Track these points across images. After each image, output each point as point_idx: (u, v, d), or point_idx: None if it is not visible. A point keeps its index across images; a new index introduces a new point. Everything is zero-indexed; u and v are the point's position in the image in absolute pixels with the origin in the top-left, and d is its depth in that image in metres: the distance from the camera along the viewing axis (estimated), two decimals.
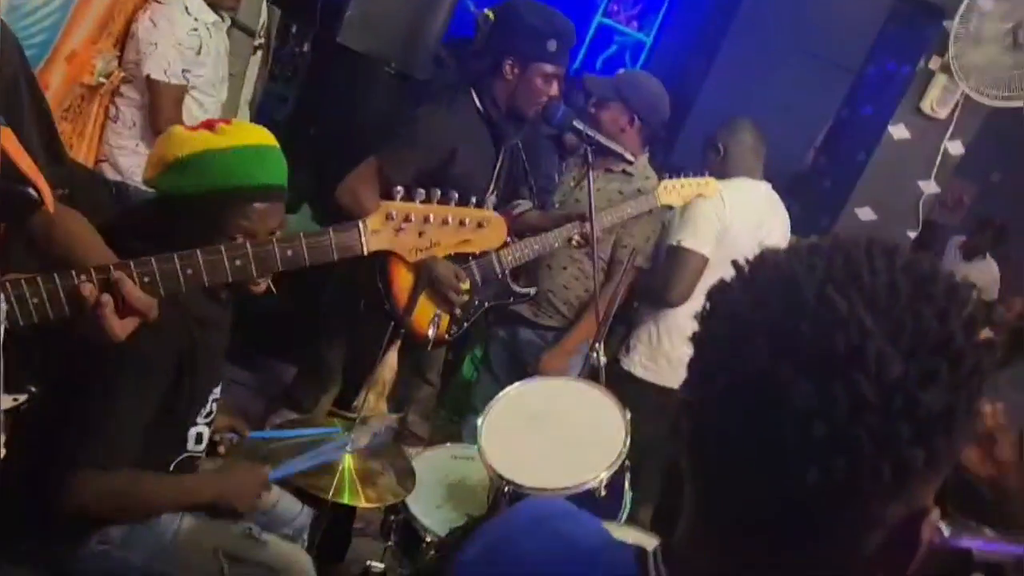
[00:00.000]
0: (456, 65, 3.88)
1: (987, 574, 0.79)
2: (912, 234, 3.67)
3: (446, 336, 2.57)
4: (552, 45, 2.41)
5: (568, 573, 0.71)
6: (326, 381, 2.99)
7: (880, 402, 0.51)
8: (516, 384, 2.03)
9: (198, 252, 1.23)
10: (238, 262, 1.26)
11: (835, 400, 0.51)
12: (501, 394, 1.99)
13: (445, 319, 2.50)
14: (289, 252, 1.29)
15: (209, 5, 2.79)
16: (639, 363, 2.86)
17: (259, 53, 3.31)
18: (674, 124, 4.09)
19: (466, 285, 2.46)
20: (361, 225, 1.28)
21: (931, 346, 0.53)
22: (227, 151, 1.49)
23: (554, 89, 2.45)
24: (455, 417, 3.46)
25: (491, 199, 1.38)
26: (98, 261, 1.21)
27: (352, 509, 2.46)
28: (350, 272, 2.69)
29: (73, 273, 1.17)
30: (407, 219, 1.31)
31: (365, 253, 1.29)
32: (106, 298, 1.13)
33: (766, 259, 0.61)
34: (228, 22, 2.95)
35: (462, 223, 1.34)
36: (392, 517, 1.97)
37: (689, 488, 0.64)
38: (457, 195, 1.30)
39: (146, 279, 1.19)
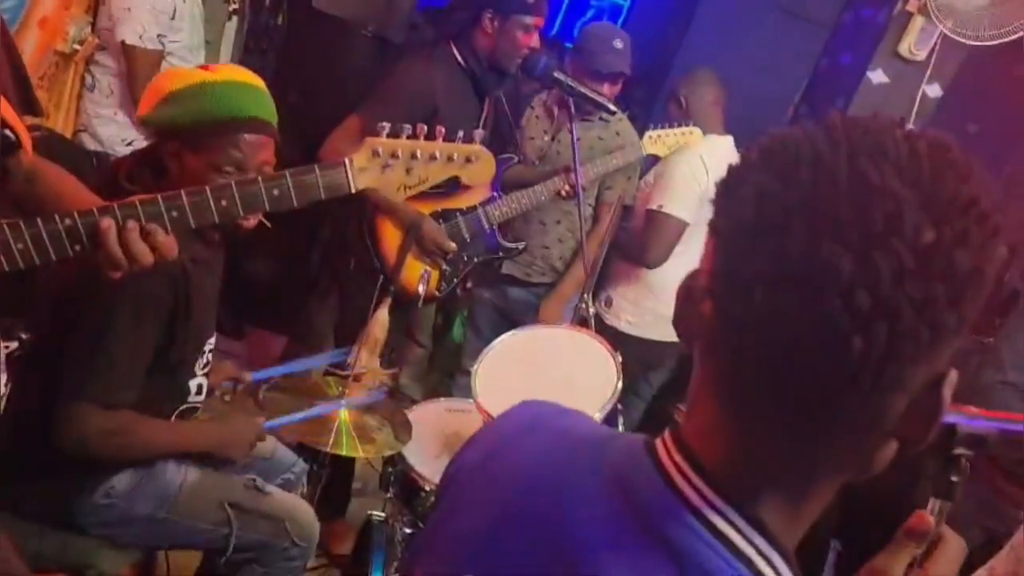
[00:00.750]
0: (433, 31, 3.84)
1: (970, 446, 0.81)
2: None
3: (436, 292, 2.57)
4: None
5: (579, 462, 0.71)
6: (316, 347, 2.97)
7: (919, 267, 0.52)
8: (508, 333, 2.05)
9: (183, 193, 1.22)
10: (224, 202, 1.24)
11: (877, 269, 0.52)
12: (494, 343, 2.00)
13: (435, 275, 2.50)
14: (275, 191, 1.27)
15: None
16: (624, 319, 2.87)
17: (234, 19, 3.26)
18: (652, 87, 4.07)
19: (452, 244, 2.46)
20: (347, 162, 1.27)
21: (959, 209, 0.54)
22: (219, 84, 1.53)
23: (534, 40, 2.44)
24: (447, 379, 3.47)
25: (481, 133, 1.37)
26: (85, 206, 1.19)
27: (351, 466, 2.48)
28: (338, 235, 2.68)
29: (56, 217, 1.15)
30: (394, 155, 1.30)
31: (352, 191, 1.28)
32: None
33: (781, 139, 0.59)
34: None
35: (450, 158, 1.33)
36: (391, 469, 1.97)
37: (712, 373, 0.63)
38: (444, 131, 1.29)
39: (131, 223, 1.18)
